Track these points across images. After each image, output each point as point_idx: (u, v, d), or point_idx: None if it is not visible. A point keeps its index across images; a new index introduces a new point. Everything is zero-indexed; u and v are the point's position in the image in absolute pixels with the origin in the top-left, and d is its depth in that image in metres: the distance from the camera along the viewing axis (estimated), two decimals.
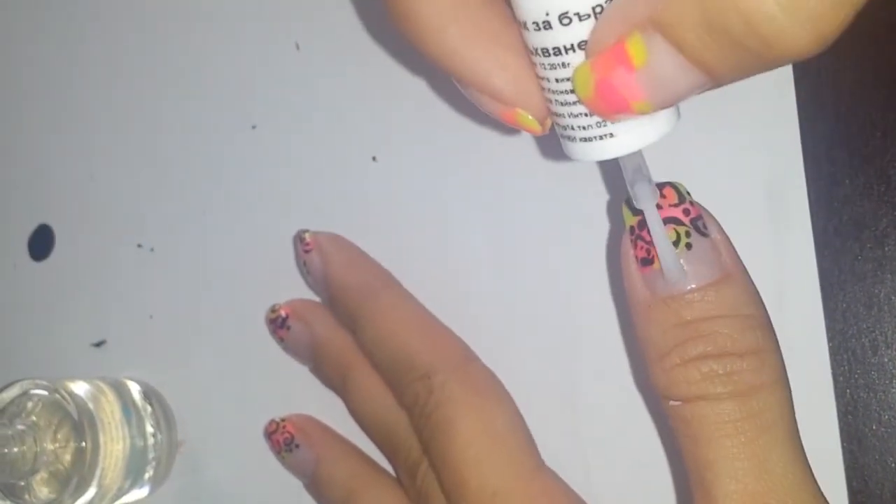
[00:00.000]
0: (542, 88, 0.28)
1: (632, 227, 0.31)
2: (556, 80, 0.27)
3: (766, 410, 0.29)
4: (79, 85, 0.51)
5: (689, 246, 0.30)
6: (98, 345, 0.49)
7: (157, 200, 0.48)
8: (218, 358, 0.46)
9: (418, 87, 0.42)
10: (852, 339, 0.35)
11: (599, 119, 0.27)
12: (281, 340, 0.43)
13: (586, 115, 0.27)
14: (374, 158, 0.43)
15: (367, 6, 0.43)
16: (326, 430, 0.43)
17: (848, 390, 0.35)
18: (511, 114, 0.29)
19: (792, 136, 0.36)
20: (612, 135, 0.27)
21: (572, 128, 0.28)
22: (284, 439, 0.43)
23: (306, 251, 0.42)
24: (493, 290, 0.41)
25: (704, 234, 0.31)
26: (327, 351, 0.42)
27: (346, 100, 0.44)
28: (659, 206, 0.31)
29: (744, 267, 0.31)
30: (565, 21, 0.25)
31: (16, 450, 0.42)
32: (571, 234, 0.39)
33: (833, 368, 0.35)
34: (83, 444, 0.42)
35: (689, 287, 0.30)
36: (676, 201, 0.31)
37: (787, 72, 0.36)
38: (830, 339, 0.35)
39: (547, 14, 0.25)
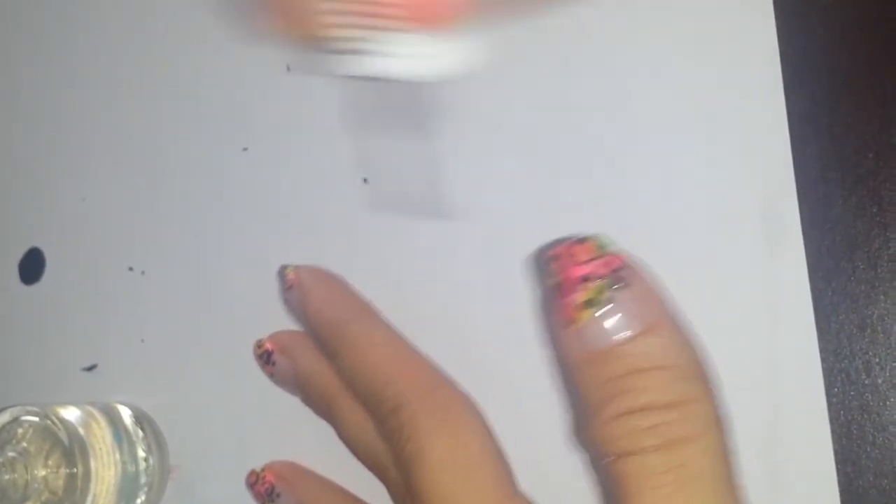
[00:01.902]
0: None
1: (547, 291, 0.31)
2: None
3: (690, 462, 0.29)
4: (70, 107, 0.50)
5: (610, 300, 0.30)
6: (89, 369, 0.49)
7: (148, 223, 0.48)
8: (210, 382, 0.46)
9: (410, 109, 0.42)
10: (846, 361, 0.35)
11: None
12: (270, 375, 0.43)
13: None
14: (365, 180, 0.43)
15: None
16: (307, 474, 0.43)
17: (842, 412, 0.35)
18: None
19: (784, 156, 0.36)
20: None
21: None
22: (266, 489, 0.42)
23: (288, 288, 0.42)
24: (485, 310, 0.41)
25: (627, 286, 0.30)
26: (312, 383, 0.42)
27: (337, 121, 0.44)
28: (577, 264, 0.31)
29: (671, 315, 0.31)
30: None
31: (7, 477, 0.41)
32: None
33: (827, 390, 0.35)
34: (74, 470, 0.42)
35: (613, 341, 0.30)
36: (595, 256, 0.31)
37: (778, 92, 0.36)
38: (824, 360, 0.35)
39: None
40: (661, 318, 0.30)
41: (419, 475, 0.35)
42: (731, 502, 0.30)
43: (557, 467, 0.38)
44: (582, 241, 0.31)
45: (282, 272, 0.43)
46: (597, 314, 0.30)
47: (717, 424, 0.30)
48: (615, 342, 0.30)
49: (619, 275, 0.30)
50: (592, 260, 0.30)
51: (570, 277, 0.31)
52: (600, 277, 0.30)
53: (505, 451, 0.36)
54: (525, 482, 0.36)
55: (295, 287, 0.42)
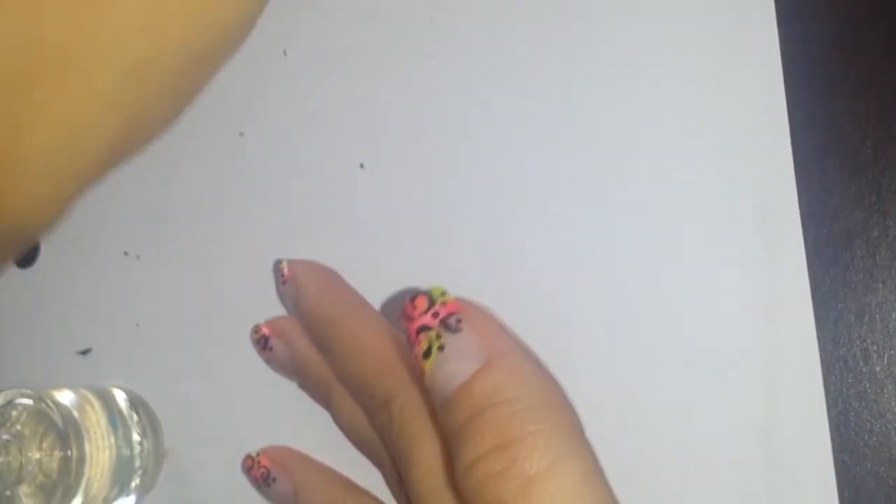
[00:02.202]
0: None
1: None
2: None
3: (551, 499, 0.28)
4: None
5: (441, 348, 0.30)
6: (84, 353, 0.48)
7: (143, 207, 0.48)
8: (205, 366, 0.46)
9: (406, 93, 0.42)
10: (844, 349, 0.35)
11: None
12: (267, 360, 0.43)
13: None
14: (361, 165, 0.43)
15: (354, 13, 0.43)
16: (303, 458, 0.43)
17: (840, 400, 0.35)
18: None
19: (783, 146, 0.36)
20: None
21: None
22: (261, 474, 0.42)
23: (283, 283, 0.42)
24: (481, 297, 0.41)
25: (456, 330, 0.30)
26: (309, 369, 0.42)
27: (333, 106, 0.44)
28: (413, 318, 0.31)
29: (508, 344, 0.31)
30: None
31: (1, 460, 0.41)
32: (561, 246, 0.39)
33: (825, 378, 0.35)
34: (69, 453, 0.42)
35: (452, 387, 0.30)
36: (426, 308, 0.31)
37: (777, 81, 0.36)
38: (822, 348, 0.35)
39: None
40: (493, 352, 0.30)
41: (408, 473, 0.35)
42: None
43: None
44: (415, 297, 0.31)
45: (277, 266, 0.43)
46: (433, 363, 0.30)
47: (573, 450, 0.29)
48: (454, 387, 0.30)
49: (448, 322, 0.30)
50: (425, 312, 0.31)
51: (410, 331, 0.31)
52: (431, 328, 0.30)
53: None
54: None
55: (289, 281, 0.42)
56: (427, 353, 0.30)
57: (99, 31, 0.28)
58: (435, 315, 0.31)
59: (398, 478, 0.38)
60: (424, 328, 0.31)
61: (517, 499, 0.28)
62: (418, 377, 0.32)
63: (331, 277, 0.42)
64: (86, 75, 0.28)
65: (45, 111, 0.27)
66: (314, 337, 0.41)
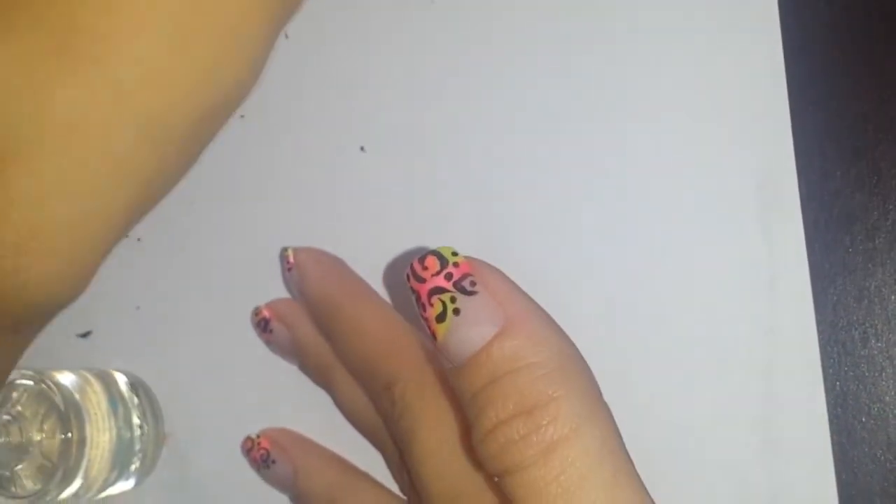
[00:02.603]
0: None
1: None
2: None
3: (571, 464, 0.27)
4: None
5: (456, 312, 0.29)
6: (84, 335, 0.48)
7: None
8: (205, 349, 0.46)
9: (406, 76, 0.42)
10: (842, 332, 0.35)
11: None
12: (267, 343, 0.44)
13: None
14: (362, 148, 0.43)
15: None
16: (303, 441, 0.43)
17: (838, 382, 0.35)
18: None
19: (783, 129, 0.36)
20: None
21: None
22: (261, 456, 0.42)
23: (289, 270, 0.42)
24: None
25: (472, 293, 0.29)
26: (310, 352, 0.42)
27: (334, 89, 0.44)
28: (424, 280, 0.30)
29: (526, 306, 0.30)
30: None
31: (1, 440, 0.41)
32: (562, 228, 0.39)
33: (823, 361, 0.35)
34: (69, 434, 0.42)
35: (468, 352, 0.29)
36: (438, 269, 0.30)
37: (778, 65, 0.36)
38: (820, 331, 0.35)
39: None
40: (511, 316, 0.29)
41: (410, 454, 0.35)
42: (628, 491, 0.28)
43: None
44: (424, 257, 0.30)
45: (283, 254, 0.43)
46: (448, 328, 0.29)
47: (594, 415, 0.28)
48: (470, 353, 0.29)
49: (462, 284, 0.29)
50: (437, 274, 0.30)
51: (421, 294, 0.30)
52: (444, 290, 0.29)
53: None
54: None
55: (294, 268, 0.42)
56: (441, 317, 0.29)
57: (110, 91, 0.27)
58: (448, 277, 0.29)
59: (399, 460, 0.38)
60: (437, 290, 0.29)
61: (538, 464, 0.27)
62: (428, 340, 0.31)
63: (334, 264, 0.42)
64: (101, 139, 0.27)
65: (64, 180, 0.26)
66: (318, 322, 0.41)
